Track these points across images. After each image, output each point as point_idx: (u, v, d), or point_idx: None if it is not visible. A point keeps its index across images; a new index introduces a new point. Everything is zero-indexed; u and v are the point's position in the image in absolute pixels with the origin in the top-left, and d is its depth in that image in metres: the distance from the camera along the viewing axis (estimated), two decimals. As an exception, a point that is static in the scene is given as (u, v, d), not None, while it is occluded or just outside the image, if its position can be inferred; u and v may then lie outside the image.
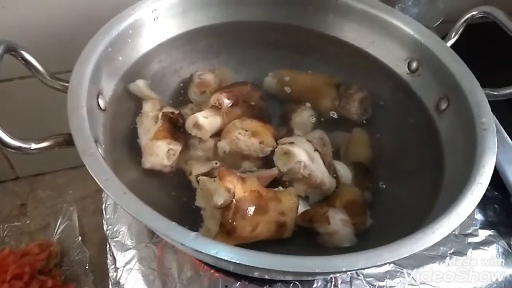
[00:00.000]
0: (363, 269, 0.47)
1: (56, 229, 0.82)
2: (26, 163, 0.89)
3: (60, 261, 0.79)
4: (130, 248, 0.58)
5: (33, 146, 0.43)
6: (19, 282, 0.71)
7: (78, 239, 0.81)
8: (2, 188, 0.90)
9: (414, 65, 0.62)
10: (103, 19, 0.55)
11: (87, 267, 0.79)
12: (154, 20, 0.60)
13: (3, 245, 0.81)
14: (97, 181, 0.40)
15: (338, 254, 0.37)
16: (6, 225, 0.83)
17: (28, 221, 0.85)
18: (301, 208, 0.52)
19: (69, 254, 0.80)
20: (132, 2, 0.58)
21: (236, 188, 0.46)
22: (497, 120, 0.62)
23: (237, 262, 0.35)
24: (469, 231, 0.63)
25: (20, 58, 0.50)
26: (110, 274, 0.57)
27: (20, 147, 0.42)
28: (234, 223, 0.45)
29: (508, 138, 0.67)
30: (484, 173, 0.45)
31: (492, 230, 0.63)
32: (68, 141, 0.44)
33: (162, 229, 0.37)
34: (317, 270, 0.36)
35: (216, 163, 0.55)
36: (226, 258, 0.35)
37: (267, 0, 0.67)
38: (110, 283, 0.56)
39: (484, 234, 0.63)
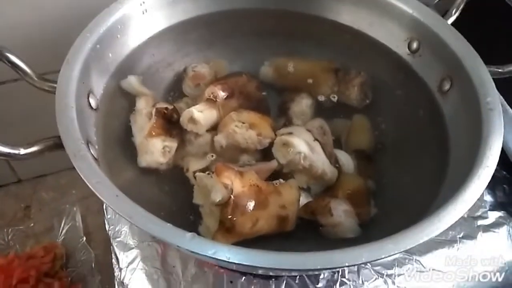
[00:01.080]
0: (367, 263, 0.46)
1: (60, 231, 0.82)
2: (27, 165, 0.88)
3: (66, 262, 0.79)
4: (133, 248, 0.57)
5: (22, 151, 0.42)
6: (25, 286, 0.71)
7: (82, 240, 0.81)
8: (5, 191, 0.90)
9: (414, 45, 0.60)
10: (92, 15, 0.54)
11: (93, 267, 0.78)
12: (143, 13, 0.58)
13: (8, 249, 0.81)
14: (87, 184, 0.39)
15: (340, 249, 0.36)
16: (10, 229, 0.83)
17: (32, 224, 0.85)
18: (303, 200, 0.50)
19: (75, 255, 0.80)
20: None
21: (234, 183, 0.45)
22: (503, 99, 0.60)
23: (235, 262, 0.34)
24: (478, 213, 0.61)
25: (6, 61, 0.48)
26: (115, 274, 0.56)
27: (9, 153, 0.41)
28: (234, 219, 0.44)
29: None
30: (491, 156, 0.43)
31: (502, 212, 0.61)
32: (58, 144, 0.43)
33: (157, 231, 0.36)
34: (318, 267, 0.35)
35: (213, 156, 0.54)
36: (223, 259, 0.34)
37: (259, -14, 0.64)
38: (116, 283, 0.56)
39: (494, 216, 0.61)
